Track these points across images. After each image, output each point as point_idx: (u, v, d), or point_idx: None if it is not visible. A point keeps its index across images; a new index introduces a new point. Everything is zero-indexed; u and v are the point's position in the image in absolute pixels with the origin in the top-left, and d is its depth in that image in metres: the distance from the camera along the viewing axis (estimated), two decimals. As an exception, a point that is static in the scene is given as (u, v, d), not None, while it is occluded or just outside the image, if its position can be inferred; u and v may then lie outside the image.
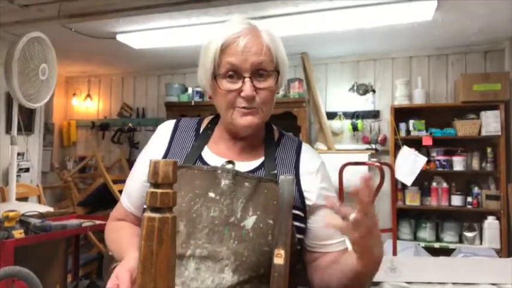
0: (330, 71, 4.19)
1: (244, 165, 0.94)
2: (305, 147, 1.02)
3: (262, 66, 0.89)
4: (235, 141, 0.98)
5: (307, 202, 0.93)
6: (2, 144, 3.57)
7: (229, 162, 0.93)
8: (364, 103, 4.04)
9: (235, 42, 0.88)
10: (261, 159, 0.96)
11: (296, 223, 0.89)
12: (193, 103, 4.13)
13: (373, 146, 3.91)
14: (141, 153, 1.05)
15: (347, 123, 4.00)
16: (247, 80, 0.88)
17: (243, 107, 0.90)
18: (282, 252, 0.76)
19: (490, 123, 3.46)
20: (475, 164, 3.59)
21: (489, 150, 3.54)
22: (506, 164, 3.44)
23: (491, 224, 3.45)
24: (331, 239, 0.93)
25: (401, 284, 1.55)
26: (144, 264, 0.45)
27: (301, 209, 0.92)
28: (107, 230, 1.04)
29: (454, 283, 1.54)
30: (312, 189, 0.94)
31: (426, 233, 3.66)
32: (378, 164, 2.61)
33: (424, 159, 3.58)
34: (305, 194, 0.93)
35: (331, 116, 4.04)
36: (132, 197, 1.01)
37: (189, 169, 0.91)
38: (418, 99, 3.78)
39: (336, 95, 4.14)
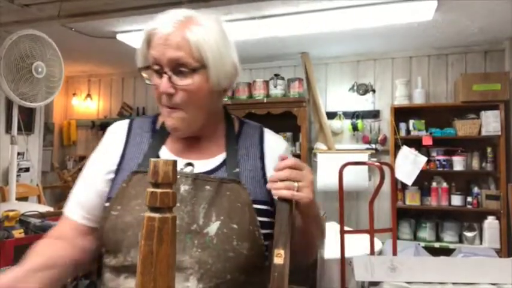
0: (330, 71, 4.19)
1: (205, 165, 0.88)
2: (267, 135, 0.97)
3: (180, 62, 0.80)
4: (193, 138, 0.91)
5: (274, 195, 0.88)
6: (2, 144, 3.57)
7: (188, 164, 0.86)
8: (364, 103, 4.05)
9: (157, 33, 0.82)
10: (223, 156, 0.90)
11: (263, 218, 0.85)
12: (193, 103, 4.13)
13: (373, 145, 3.92)
14: (92, 158, 0.95)
15: (347, 123, 4.00)
16: (165, 75, 0.81)
17: (165, 105, 0.84)
18: (282, 252, 0.75)
19: (490, 123, 3.46)
20: (475, 164, 3.59)
21: (489, 150, 3.55)
22: (506, 164, 3.44)
23: (491, 224, 3.45)
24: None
25: (401, 284, 1.55)
26: (144, 264, 0.44)
27: (268, 203, 0.87)
28: (32, 248, 0.85)
29: (454, 283, 1.54)
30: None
31: (426, 232, 3.66)
32: (377, 163, 2.61)
33: (424, 159, 3.58)
34: None
35: (331, 115, 4.04)
36: (86, 206, 0.89)
37: (145, 174, 0.79)
38: (418, 99, 3.78)
39: (336, 95, 4.14)
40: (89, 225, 0.90)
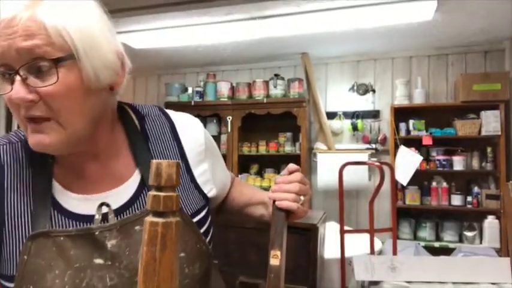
0: (330, 71, 4.19)
1: (119, 196, 0.68)
2: (178, 125, 0.78)
3: (36, 54, 0.57)
4: (88, 163, 0.69)
5: (209, 195, 0.79)
6: (2, 144, 3.57)
7: (102, 204, 0.66)
8: (364, 103, 4.04)
9: (2, 22, 0.58)
10: (136, 175, 0.70)
11: (204, 228, 0.76)
12: (193, 103, 4.13)
13: (373, 145, 3.91)
14: None
15: (347, 123, 4.00)
16: (16, 78, 0.58)
17: (27, 118, 0.60)
18: (278, 253, 0.75)
19: (490, 122, 3.46)
20: (475, 164, 3.59)
21: (489, 149, 3.54)
22: (506, 164, 3.44)
23: (491, 224, 3.45)
24: (227, 184, 0.92)
25: (401, 284, 1.55)
26: (146, 271, 0.43)
27: (204, 205, 0.77)
28: None
29: (454, 283, 1.54)
30: (209, 177, 0.79)
31: (426, 232, 3.66)
32: (377, 163, 2.61)
33: (420, 158, 3.58)
34: (203, 188, 0.78)
35: (331, 115, 4.04)
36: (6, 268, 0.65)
37: (50, 237, 0.62)
38: (418, 99, 3.78)
39: (336, 95, 4.14)
40: None
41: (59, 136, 0.61)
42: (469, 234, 3.57)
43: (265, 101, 3.91)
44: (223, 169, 0.90)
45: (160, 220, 0.43)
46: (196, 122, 0.82)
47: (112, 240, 0.64)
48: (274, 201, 0.75)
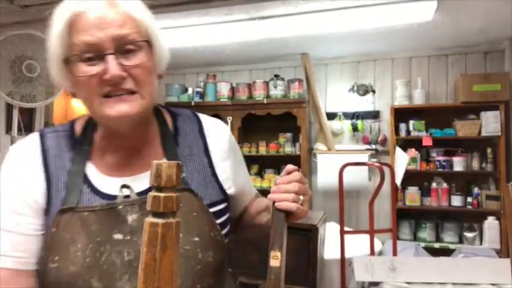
0: (330, 71, 4.19)
1: (143, 180, 0.76)
2: (207, 124, 0.87)
3: (127, 39, 0.70)
4: (123, 149, 0.78)
5: (228, 192, 0.84)
6: (2, 144, 3.57)
7: (124, 186, 0.74)
8: (364, 103, 4.04)
9: (85, 16, 0.69)
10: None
11: (221, 219, 0.81)
12: (193, 103, 4.13)
13: (373, 146, 3.92)
14: (2, 199, 0.73)
15: (347, 124, 4.00)
16: (110, 58, 0.69)
17: (111, 93, 0.71)
18: (278, 254, 0.75)
19: (490, 123, 3.46)
20: (475, 165, 3.59)
21: (489, 150, 3.54)
22: (506, 164, 3.44)
23: (491, 224, 3.45)
24: (247, 201, 0.95)
25: (401, 284, 1.55)
26: (146, 272, 0.43)
27: (223, 199, 0.83)
28: None
29: (454, 283, 1.54)
30: (227, 173, 0.85)
31: (426, 233, 3.66)
32: (378, 164, 2.61)
33: (406, 157, 3.56)
34: (224, 184, 0.84)
35: (331, 116, 4.04)
36: (24, 250, 0.72)
37: (75, 213, 0.70)
38: (418, 100, 3.78)
39: (336, 96, 4.14)
40: (32, 269, 0.73)
41: (140, 106, 0.72)
42: (469, 235, 3.57)
43: (265, 101, 3.91)
44: (246, 176, 0.96)
45: (160, 221, 0.43)
46: (223, 125, 0.90)
47: (133, 215, 0.71)
48: (274, 202, 0.75)
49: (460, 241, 3.61)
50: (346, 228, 2.44)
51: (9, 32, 2.67)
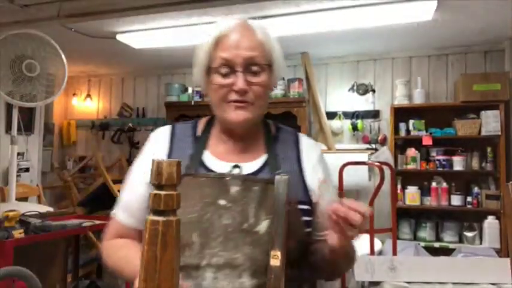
0: (330, 71, 4.19)
1: (248, 167, 0.93)
2: (303, 138, 1.03)
3: (254, 61, 0.90)
4: (234, 142, 0.97)
5: (312, 196, 0.94)
6: (2, 144, 3.57)
7: (235, 166, 0.93)
8: (364, 103, 4.04)
9: (228, 37, 0.90)
10: (263, 158, 0.95)
11: (305, 218, 0.91)
12: (193, 103, 4.12)
13: (373, 145, 3.91)
14: (137, 163, 1.00)
15: (347, 123, 4.00)
16: (239, 74, 0.89)
17: (235, 101, 0.90)
18: (279, 253, 0.76)
19: (490, 123, 3.46)
20: (475, 164, 3.59)
21: (489, 150, 3.54)
22: (506, 164, 3.44)
23: (491, 224, 3.45)
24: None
25: (401, 284, 1.55)
26: (146, 270, 0.43)
27: (308, 203, 0.93)
28: (106, 249, 0.97)
29: (454, 283, 1.54)
30: (315, 182, 0.95)
31: (426, 232, 3.66)
32: (378, 163, 2.61)
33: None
34: (309, 188, 0.94)
35: (331, 115, 4.04)
36: (133, 210, 0.96)
37: (195, 177, 0.89)
38: (418, 99, 3.78)
39: (336, 95, 4.13)
40: (138, 229, 0.95)
41: (254, 115, 0.92)
42: (469, 234, 3.57)
43: (265, 101, 3.91)
44: (331, 197, 0.97)
45: (160, 219, 0.43)
46: (317, 145, 1.06)
47: (236, 187, 0.87)
48: (332, 214, 0.76)
49: (460, 241, 3.60)
50: (346, 228, 2.43)
51: (9, 32, 2.67)
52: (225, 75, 0.90)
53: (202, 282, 0.82)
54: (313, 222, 0.94)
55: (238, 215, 0.85)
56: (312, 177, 0.96)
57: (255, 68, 0.90)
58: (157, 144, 0.99)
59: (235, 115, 0.90)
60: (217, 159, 0.95)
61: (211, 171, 0.92)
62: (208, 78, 0.93)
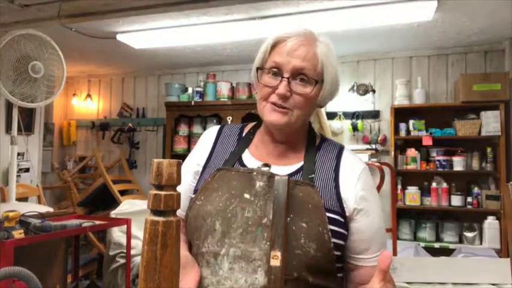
0: (330, 71, 4.18)
1: (283, 169, 0.95)
2: (346, 152, 1.01)
3: (302, 72, 0.91)
4: (275, 145, 1.00)
5: (346, 208, 0.91)
6: (2, 144, 3.57)
7: (265, 165, 0.95)
8: (364, 103, 4.04)
9: (284, 43, 0.92)
10: (300, 164, 0.97)
11: (333, 227, 0.88)
12: (193, 103, 4.12)
13: (373, 146, 3.91)
14: (186, 160, 1.08)
15: (347, 123, 4.00)
16: (284, 80, 0.91)
17: (274, 103, 0.93)
18: (279, 254, 0.75)
19: (490, 123, 3.46)
20: (475, 164, 3.59)
21: (489, 150, 3.54)
22: (506, 164, 3.44)
23: (491, 224, 3.45)
24: (363, 253, 0.93)
25: (402, 285, 1.55)
26: (146, 270, 0.43)
27: (339, 213, 0.90)
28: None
29: (454, 283, 1.54)
30: (351, 195, 0.92)
31: (426, 233, 3.66)
32: (378, 164, 2.61)
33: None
34: (344, 199, 0.91)
35: (331, 116, 4.04)
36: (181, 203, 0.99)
37: (228, 171, 0.95)
38: (418, 99, 3.78)
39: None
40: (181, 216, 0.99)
41: (287, 121, 0.93)
42: (469, 234, 3.57)
43: (265, 101, 3.90)
44: (373, 222, 0.95)
45: (160, 219, 0.43)
46: (361, 163, 1.00)
47: (261, 182, 0.90)
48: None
49: (460, 241, 3.60)
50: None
51: (16, 32, 2.67)
52: (273, 78, 0.93)
53: (219, 270, 0.85)
54: (346, 240, 0.91)
55: (259, 209, 0.87)
56: (348, 190, 0.93)
57: (302, 78, 0.92)
58: (205, 142, 1.07)
59: (270, 116, 0.94)
60: (254, 159, 0.99)
61: (245, 166, 0.97)
62: (258, 76, 0.97)
